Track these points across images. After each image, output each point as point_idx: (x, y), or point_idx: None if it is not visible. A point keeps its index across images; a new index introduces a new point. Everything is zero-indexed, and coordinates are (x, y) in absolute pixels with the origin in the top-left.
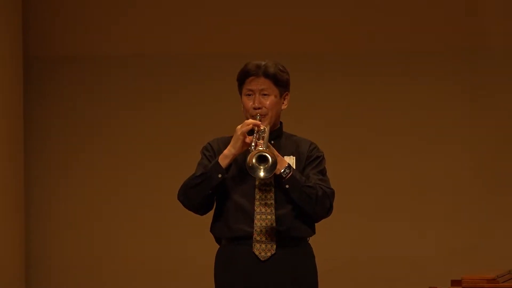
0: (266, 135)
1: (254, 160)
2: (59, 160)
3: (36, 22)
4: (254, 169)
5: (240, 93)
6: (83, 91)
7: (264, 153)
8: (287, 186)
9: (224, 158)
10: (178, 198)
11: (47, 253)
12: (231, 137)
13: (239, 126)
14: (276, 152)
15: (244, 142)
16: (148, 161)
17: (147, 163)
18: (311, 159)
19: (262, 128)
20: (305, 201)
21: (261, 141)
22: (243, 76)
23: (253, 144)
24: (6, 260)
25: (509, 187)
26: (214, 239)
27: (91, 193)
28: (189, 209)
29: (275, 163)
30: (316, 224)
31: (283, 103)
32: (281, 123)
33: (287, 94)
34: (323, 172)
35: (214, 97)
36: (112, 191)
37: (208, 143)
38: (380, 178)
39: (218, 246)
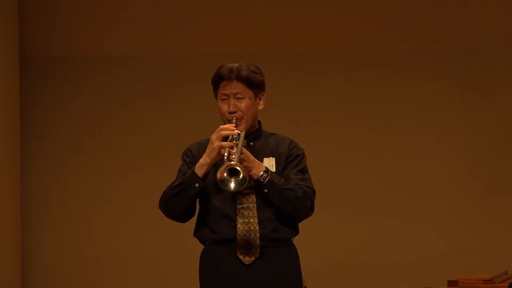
0: (240, 142)
1: (225, 174)
2: (56, 160)
3: (32, 23)
4: (225, 183)
5: (216, 97)
6: (80, 92)
7: (234, 167)
8: (266, 190)
9: (200, 167)
10: (159, 207)
11: (44, 253)
12: None
13: (213, 135)
14: (252, 157)
15: (219, 151)
16: (146, 161)
17: (144, 163)
18: (291, 159)
19: (235, 134)
20: (285, 204)
21: (234, 150)
22: (217, 81)
23: (225, 154)
24: (3, 260)
25: (506, 187)
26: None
27: (88, 193)
28: (170, 218)
29: (245, 178)
30: (315, 224)
31: (259, 104)
32: (259, 122)
33: (262, 95)
34: (303, 171)
35: (212, 98)
36: (109, 191)
37: (188, 148)
38: (377, 178)
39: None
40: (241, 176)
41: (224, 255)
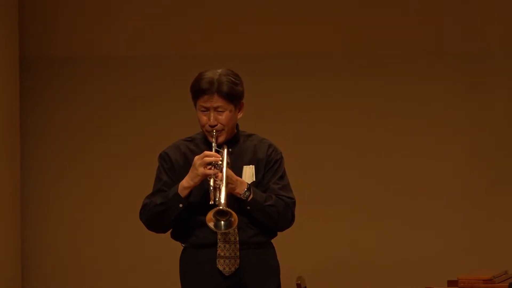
0: (224, 161)
1: (214, 218)
2: (56, 161)
3: (32, 23)
4: (216, 224)
5: (195, 106)
6: (80, 92)
7: (223, 209)
8: (248, 208)
9: (183, 189)
10: (140, 219)
11: (44, 253)
12: (188, 140)
13: (197, 159)
14: (234, 177)
15: (203, 177)
16: (146, 161)
17: (144, 163)
18: (270, 165)
19: (219, 161)
20: (267, 219)
21: (219, 176)
22: (196, 93)
23: (211, 181)
24: (2, 260)
25: (506, 187)
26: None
27: (87, 194)
28: (152, 231)
29: (235, 218)
30: (314, 224)
31: (238, 113)
32: (237, 125)
33: (242, 104)
34: (282, 176)
35: None
36: (109, 191)
37: (165, 152)
38: (377, 178)
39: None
40: (232, 218)
41: (205, 261)
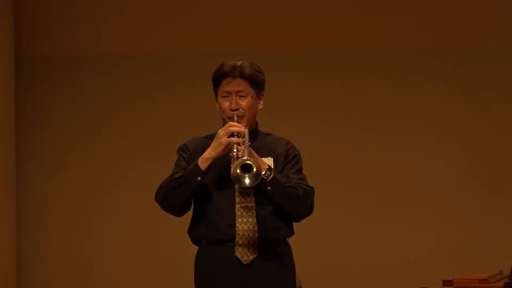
0: (246, 139)
1: (238, 170)
2: (51, 161)
3: (27, 22)
4: (239, 179)
5: (216, 94)
6: (75, 92)
7: (247, 162)
8: (268, 188)
9: (204, 160)
10: (156, 200)
11: (39, 252)
12: (208, 137)
13: (221, 131)
14: (256, 155)
15: (226, 146)
16: (140, 161)
17: (139, 163)
18: (289, 159)
19: (243, 132)
20: (287, 202)
21: (242, 147)
22: (219, 78)
23: (234, 150)
24: None
25: (501, 187)
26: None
27: (83, 194)
28: (167, 211)
29: (259, 171)
30: (313, 224)
31: (259, 103)
32: (256, 123)
33: (262, 94)
34: (301, 171)
35: (206, 97)
36: (104, 191)
37: (184, 144)
38: (371, 178)
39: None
40: (254, 170)
41: (222, 255)
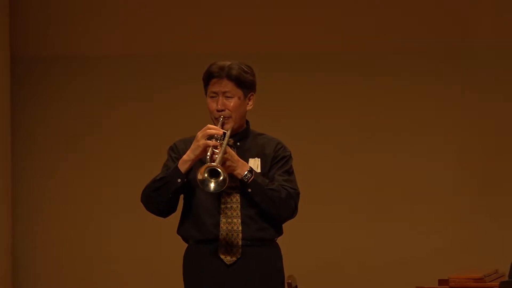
0: (225, 141)
1: (205, 175)
2: (48, 161)
3: (23, 22)
4: (205, 183)
5: (206, 94)
6: (71, 91)
7: (216, 168)
8: (249, 190)
9: (184, 163)
10: (141, 201)
11: (35, 254)
12: None
13: (199, 133)
14: (236, 157)
15: (204, 149)
16: (138, 160)
17: (136, 163)
18: (276, 160)
19: (221, 134)
20: (268, 204)
21: (218, 150)
22: (207, 78)
23: (208, 154)
24: None
25: (498, 187)
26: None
27: (80, 194)
28: (151, 212)
29: (225, 179)
30: (309, 223)
31: (248, 104)
32: (247, 122)
33: (252, 95)
34: (289, 172)
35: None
36: (102, 191)
37: (174, 144)
38: (371, 178)
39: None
40: (221, 177)
41: (207, 254)
